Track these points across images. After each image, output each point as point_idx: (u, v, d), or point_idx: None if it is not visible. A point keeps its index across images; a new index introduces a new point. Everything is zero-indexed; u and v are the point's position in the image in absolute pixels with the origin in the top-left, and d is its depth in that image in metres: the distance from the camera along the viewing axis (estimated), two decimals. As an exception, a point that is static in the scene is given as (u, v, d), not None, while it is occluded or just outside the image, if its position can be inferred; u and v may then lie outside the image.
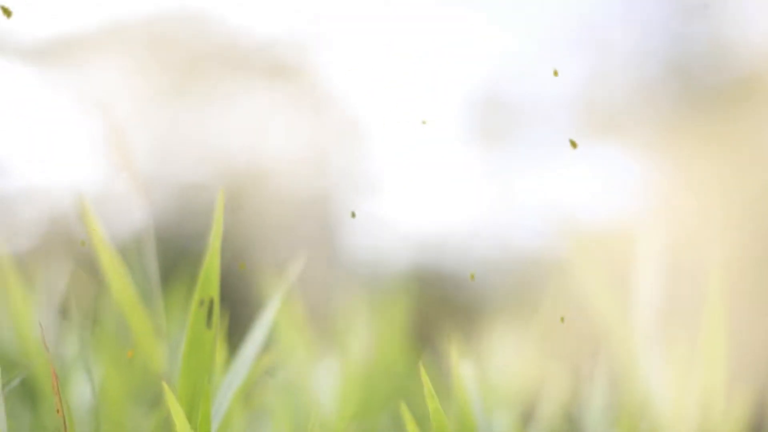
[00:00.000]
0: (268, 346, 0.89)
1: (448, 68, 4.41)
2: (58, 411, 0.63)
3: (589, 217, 3.64)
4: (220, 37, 5.83)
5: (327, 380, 1.00)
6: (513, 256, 3.92)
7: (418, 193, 3.87)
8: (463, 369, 0.95)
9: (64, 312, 1.10)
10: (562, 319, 0.99)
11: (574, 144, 1.22)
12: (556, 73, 1.41)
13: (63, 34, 7.41)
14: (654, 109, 4.33)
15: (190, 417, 0.68)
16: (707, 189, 3.95)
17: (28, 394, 0.98)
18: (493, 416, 0.98)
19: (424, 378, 0.74)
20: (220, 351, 0.84)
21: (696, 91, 4.34)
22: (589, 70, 4.41)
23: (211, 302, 0.72)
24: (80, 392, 0.96)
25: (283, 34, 5.39)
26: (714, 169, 4.08)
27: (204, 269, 0.72)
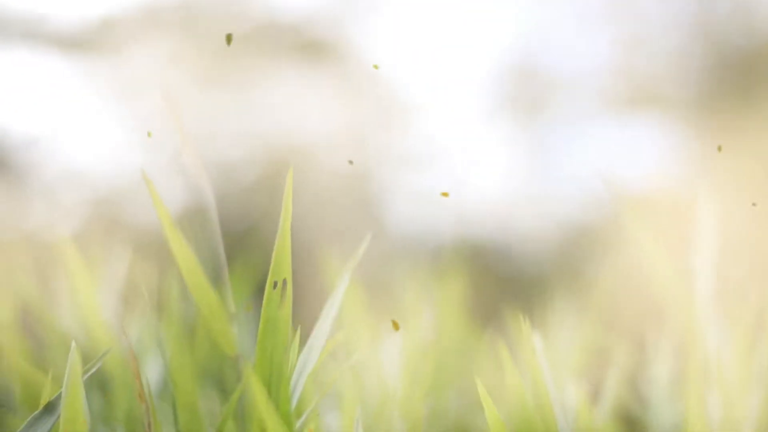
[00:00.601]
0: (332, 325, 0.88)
1: (484, 39, 4.38)
2: (140, 396, 0.62)
3: (632, 183, 3.61)
4: (257, 15, 5.81)
5: (393, 359, 0.98)
6: (554, 225, 3.89)
7: (457, 165, 3.85)
8: (532, 342, 0.94)
9: (126, 296, 1.09)
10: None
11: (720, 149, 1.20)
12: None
13: (98, 18, 7.41)
14: (688, 76, 4.29)
15: (268, 398, 0.66)
16: (743, 153, 3.90)
17: (95, 380, 0.97)
18: (563, 390, 0.96)
19: (503, 352, 0.73)
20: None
21: (727, 55, 4.30)
22: (623, 38, 4.37)
23: (284, 283, 0.71)
24: (149, 376, 0.95)
25: (319, 10, 5.36)
26: (750, 134, 4.04)
27: (276, 251, 0.71)
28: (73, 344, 0.62)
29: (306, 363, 0.72)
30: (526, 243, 3.66)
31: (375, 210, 3.83)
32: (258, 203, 4.30)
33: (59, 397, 0.63)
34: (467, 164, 3.92)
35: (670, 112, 4.34)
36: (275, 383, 0.67)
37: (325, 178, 4.16)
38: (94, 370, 0.65)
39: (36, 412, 0.63)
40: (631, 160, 3.97)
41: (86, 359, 1.00)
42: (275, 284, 0.70)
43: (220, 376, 1.00)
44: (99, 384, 0.92)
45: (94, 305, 0.91)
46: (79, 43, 8.07)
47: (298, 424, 0.71)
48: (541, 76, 4.56)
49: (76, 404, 0.61)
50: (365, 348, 0.93)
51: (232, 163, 4.71)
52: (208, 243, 0.84)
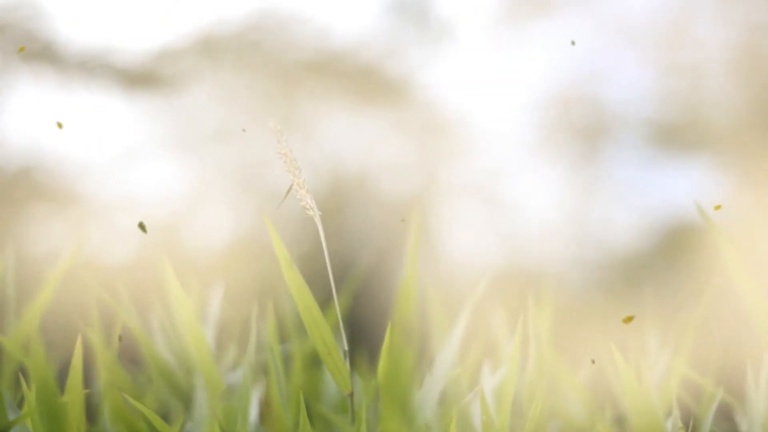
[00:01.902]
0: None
1: (537, 68, 4.36)
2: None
3: (685, 214, 3.58)
4: (312, 43, 5.80)
5: (491, 390, 0.96)
6: (604, 253, 3.86)
7: (507, 193, 3.83)
8: (632, 372, 0.92)
9: (221, 328, 1.08)
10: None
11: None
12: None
13: (155, 49, 7.42)
14: (740, 105, 4.25)
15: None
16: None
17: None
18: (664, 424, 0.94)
19: (624, 372, 0.71)
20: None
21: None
22: (675, 65, 4.33)
23: (409, 323, 0.69)
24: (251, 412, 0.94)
25: (375, 37, 5.36)
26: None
27: (402, 291, 0.69)
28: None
29: (427, 401, 0.70)
30: (576, 270, 3.63)
31: (433, 238, 3.81)
32: (314, 232, 4.28)
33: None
34: (521, 192, 3.90)
35: (722, 141, 4.30)
36: (405, 423, 0.65)
37: (383, 204, 4.15)
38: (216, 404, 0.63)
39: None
40: (682, 188, 3.93)
41: (187, 390, 0.99)
42: (395, 323, 0.68)
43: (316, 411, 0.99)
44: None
45: (200, 336, 0.90)
46: (136, 73, 8.11)
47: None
48: (593, 104, 4.53)
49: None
50: (479, 380, 0.91)
51: (284, 192, 4.67)
52: (319, 279, 0.83)
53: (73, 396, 0.80)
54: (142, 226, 0.74)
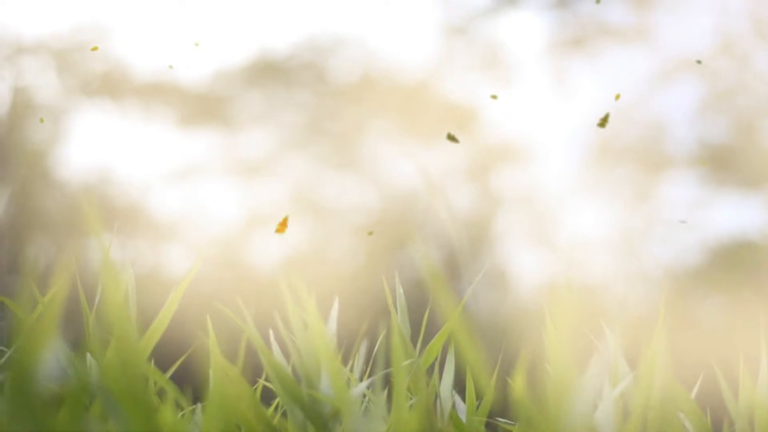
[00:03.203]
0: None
1: (592, 85, 4.37)
2: None
3: (741, 232, 3.57)
4: (357, 65, 5.80)
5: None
6: (661, 269, 3.84)
7: (568, 209, 3.82)
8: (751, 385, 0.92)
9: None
10: None
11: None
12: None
13: (207, 75, 7.44)
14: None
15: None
16: None
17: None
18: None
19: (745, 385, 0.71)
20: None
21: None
22: (732, 89, 4.32)
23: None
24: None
25: (421, 57, 5.37)
26: None
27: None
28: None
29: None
30: (641, 287, 3.62)
31: (490, 251, 3.81)
32: (374, 248, 4.30)
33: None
34: (578, 209, 3.89)
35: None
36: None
37: (438, 223, 4.15)
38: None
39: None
40: (739, 208, 3.92)
41: (308, 402, 0.99)
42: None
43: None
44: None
45: (330, 349, 0.90)
46: (192, 97, 8.13)
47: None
48: (645, 123, 4.52)
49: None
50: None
51: (347, 211, 4.72)
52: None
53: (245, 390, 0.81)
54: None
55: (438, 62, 5.39)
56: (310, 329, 0.92)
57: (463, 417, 0.98)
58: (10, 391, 0.67)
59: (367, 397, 1.01)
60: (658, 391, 0.94)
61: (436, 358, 1.05)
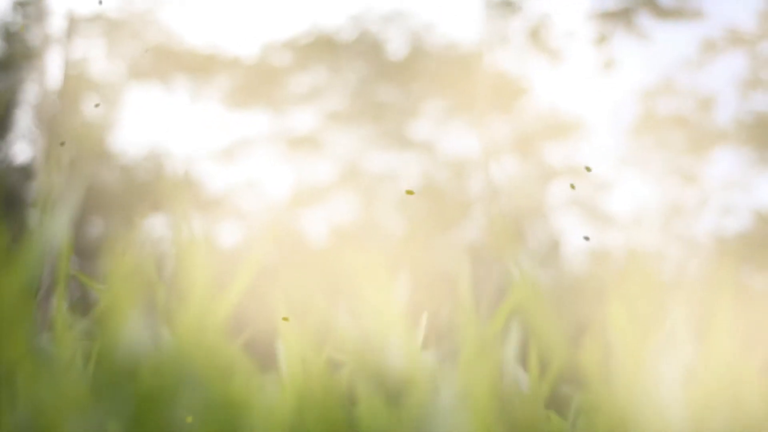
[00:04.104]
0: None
1: (640, 64, 4.35)
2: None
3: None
4: (403, 45, 5.81)
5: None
6: (711, 239, 3.82)
7: (617, 185, 3.80)
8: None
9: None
10: None
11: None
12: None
13: (259, 50, 7.45)
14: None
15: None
16: None
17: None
18: None
19: None
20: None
21: None
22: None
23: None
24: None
25: (477, 34, 5.37)
26: None
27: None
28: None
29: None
30: (691, 255, 3.61)
31: (543, 223, 3.80)
32: (426, 220, 4.31)
33: None
34: (629, 184, 3.88)
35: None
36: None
37: (491, 195, 4.15)
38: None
39: None
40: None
41: (378, 374, 1.00)
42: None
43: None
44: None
45: (404, 323, 0.90)
46: (244, 72, 8.18)
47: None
48: (697, 102, 4.49)
49: None
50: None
51: (390, 177, 4.73)
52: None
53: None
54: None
55: (489, 35, 5.34)
56: (380, 298, 0.92)
57: (526, 385, 0.98)
58: (98, 361, 0.68)
59: (435, 368, 1.02)
60: (724, 362, 0.93)
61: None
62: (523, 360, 1.12)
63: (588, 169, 1.16)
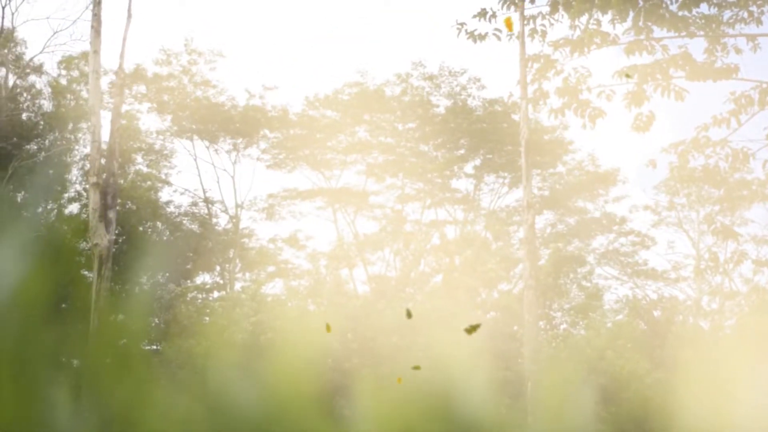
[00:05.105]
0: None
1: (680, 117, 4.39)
2: None
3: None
4: (465, 93, 5.77)
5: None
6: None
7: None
8: None
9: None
10: None
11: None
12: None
13: (306, 98, 7.36)
14: None
15: None
16: None
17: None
18: None
19: None
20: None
21: None
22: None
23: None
24: None
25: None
26: None
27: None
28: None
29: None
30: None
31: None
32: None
33: None
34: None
35: None
36: None
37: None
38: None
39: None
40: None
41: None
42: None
43: None
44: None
45: (481, 379, 0.95)
46: (291, 119, 8.10)
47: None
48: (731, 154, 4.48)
49: None
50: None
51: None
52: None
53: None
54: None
55: (530, 91, 5.36)
56: (454, 346, 0.97)
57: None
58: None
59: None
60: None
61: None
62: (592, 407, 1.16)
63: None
